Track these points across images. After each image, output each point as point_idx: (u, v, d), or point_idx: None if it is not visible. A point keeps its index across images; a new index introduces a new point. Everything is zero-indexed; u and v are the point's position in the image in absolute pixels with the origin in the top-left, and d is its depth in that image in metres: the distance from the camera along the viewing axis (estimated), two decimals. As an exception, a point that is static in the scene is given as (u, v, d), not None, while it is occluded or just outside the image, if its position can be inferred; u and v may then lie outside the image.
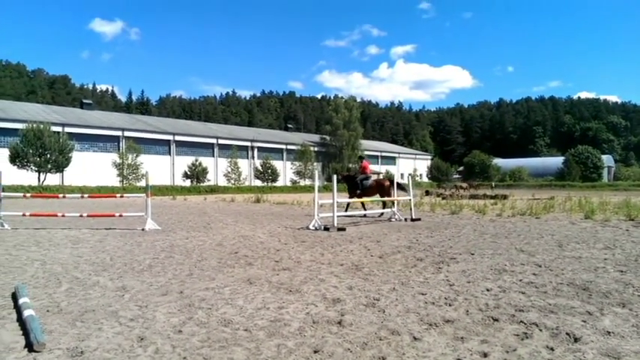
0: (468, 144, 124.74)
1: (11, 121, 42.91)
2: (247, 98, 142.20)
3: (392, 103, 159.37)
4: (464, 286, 4.86)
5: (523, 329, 3.45)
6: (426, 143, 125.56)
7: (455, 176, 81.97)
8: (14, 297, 4.30)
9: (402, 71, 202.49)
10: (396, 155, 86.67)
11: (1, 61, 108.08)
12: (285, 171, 62.92)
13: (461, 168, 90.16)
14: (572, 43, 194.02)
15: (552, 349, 3.06)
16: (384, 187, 14.75)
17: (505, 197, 25.25)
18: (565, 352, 3.01)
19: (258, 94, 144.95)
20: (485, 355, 2.96)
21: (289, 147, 66.26)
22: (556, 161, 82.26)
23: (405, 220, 12.55)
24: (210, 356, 2.95)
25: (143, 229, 10.21)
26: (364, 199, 14.40)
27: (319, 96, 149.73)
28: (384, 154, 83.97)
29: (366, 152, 73.53)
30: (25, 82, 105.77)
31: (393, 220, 12.68)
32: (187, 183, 49.08)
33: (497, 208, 17.19)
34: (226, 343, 3.18)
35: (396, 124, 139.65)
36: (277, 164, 59.52)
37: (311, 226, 10.54)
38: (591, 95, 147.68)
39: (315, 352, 3.01)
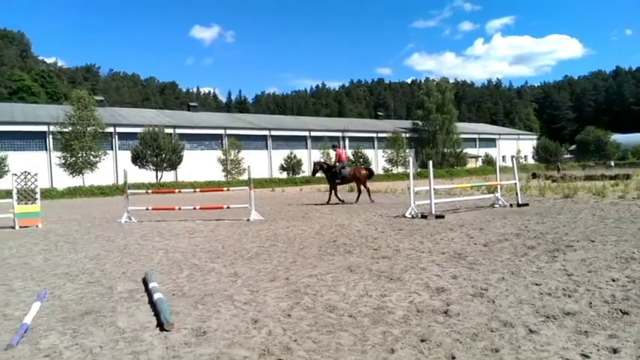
0: (580, 120, 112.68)
1: (131, 126, 48.15)
2: (336, 89, 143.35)
3: (489, 82, 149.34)
4: (584, 276, 4.46)
5: (660, 324, 3.08)
6: (531, 122, 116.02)
7: (566, 156, 74.84)
8: (145, 282, 4.86)
9: (500, 46, 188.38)
10: (496, 137, 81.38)
11: (119, 73, 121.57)
12: (377, 159, 62.43)
13: (572, 147, 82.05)
14: None
15: (699, 347, 2.69)
16: (360, 176, 15.55)
17: (628, 177, 22.52)
18: None
19: (347, 84, 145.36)
20: (614, 351, 2.70)
21: (380, 135, 65.56)
22: (691, 133, 71.20)
23: (511, 205, 11.78)
24: (318, 340, 3.06)
25: (248, 220, 10.86)
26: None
27: (409, 80, 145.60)
28: (482, 136, 79.33)
29: (463, 135, 70.22)
30: (139, 90, 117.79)
31: (496, 206, 11.97)
32: (284, 175, 51.02)
33: (618, 189, 15.40)
34: (333, 328, 3.28)
35: (494, 103, 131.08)
36: (369, 153, 59.32)
37: (407, 214, 10.37)
38: None
39: (422, 340, 2.98)
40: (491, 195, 12.92)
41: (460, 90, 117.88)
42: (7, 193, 19.44)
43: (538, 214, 9.75)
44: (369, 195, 15.50)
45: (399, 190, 21.59)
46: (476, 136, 78.03)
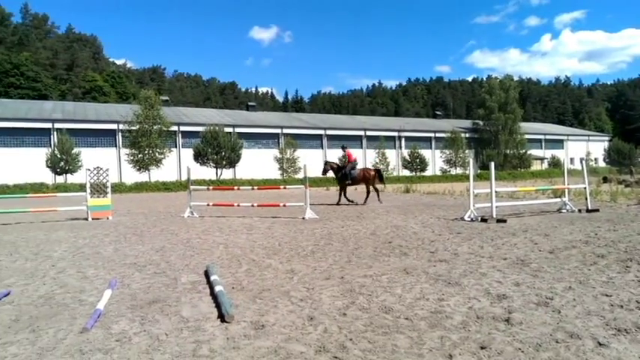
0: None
1: (193, 124, 50.36)
2: (393, 88, 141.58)
3: (557, 79, 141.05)
4: (662, 289, 4.12)
5: None
6: (602, 122, 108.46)
7: (641, 159, 69.15)
8: (206, 274, 5.07)
9: (569, 42, 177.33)
10: (564, 138, 76.78)
11: (183, 74, 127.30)
12: (434, 160, 61.00)
13: (649, 149, 75.64)
14: None
15: None
16: (369, 177, 15.83)
17: None
18: None
19: (404, 83, 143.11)
20: (698, 372, 2.48)
21: (438, 134, 64.00)
22: None
23: (579, 211, 11.08)
24: (374, 340, 3.06)
25: (303, 218, 11.01)
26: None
27: (470, 78, 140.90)
28: (548, 136, 75.14)
29: (527, 135, 66.94)
30: (201, 91, 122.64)
31: (563, 211, 11.32)
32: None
33: None
34: (388, 329, 3.27)
35: (562, 102, 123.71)
36: (426, 153, 58.05)
37: (466, 217, 10.06)
38: None
39: (482, 348, 2.90)
40: (558, 199, 12.23)
41: (525, 88, 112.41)
42: (81, 187, 21.00)
43: (609, 221, 9.11)
44: (378, 196, 15.78)
45: (458, 192, 20.99)
46: (541, 136, 74.10)
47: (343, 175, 15.81)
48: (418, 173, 53.38)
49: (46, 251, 7.11)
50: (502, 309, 3.68)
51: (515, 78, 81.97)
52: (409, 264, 5.51)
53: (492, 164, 10.41)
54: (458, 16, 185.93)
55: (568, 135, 78.40)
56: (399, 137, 62.77)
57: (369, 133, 61.01)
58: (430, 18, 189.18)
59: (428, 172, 55.33)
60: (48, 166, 38.62)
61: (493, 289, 4.26)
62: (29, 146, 43.96)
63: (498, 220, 9.44)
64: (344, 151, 16.89)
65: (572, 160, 68.11)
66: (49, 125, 45.23)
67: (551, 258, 5.66)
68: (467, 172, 53.29)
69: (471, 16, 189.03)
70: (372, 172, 16.32)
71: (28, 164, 40.41)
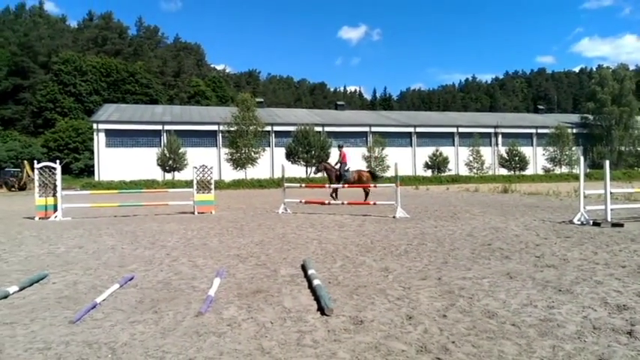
0: None
1: (286, 124, 52.26)
2: (488, 82, 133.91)
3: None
4: None
5: None
6: None
7: None
8: (303, 268, 5.26)
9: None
10: (693, 134, 66.92)
11: (276, 76, 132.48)
12: (536, 158, 56.73)
13: None
14: None
15: None
16: (363, 179, 16.24)
17: None
18: None
19: (501, 76, 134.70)
20: None
21: (540, 130, 59.38)
22: None
23: None
24: (478, 345, 2.96)
25: (394, 217, 10.90)
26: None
27: (577, 69, 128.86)
28: (672, 132, 66.04)
29: (647, 131, 59.54)
30: (292, 92, 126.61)
31: (695, 215, 9.92)
32: (428, 173, 49.80)
33: None
34: (493, 334, 3.13)
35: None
36: (526, 150, 54.16)
37: (576, 220, 9.23)
38: None
39: (602, 361, 2.66)
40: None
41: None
42: (187, 183, 22.84)
43: None
44: (366, 197, 15.92)
45: (563, 192, 19.33)
46: (664, 132, 65.26)
47: (337, 176, 16.32)
48: (517, 172, 50.04)
49: (161, 241, 7.86)
50: (623, 320, 3.34)
51: (632, 67, 73.48)
52: (512, 268, 5.21)
53: (607, 162, 9.44)
54: (563, 1, 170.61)
55: (699, 130, 68.09)
56: (496, 134, 59.35)
57: (461, 129, 58.53)
58: (530, 5, 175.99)
59: (528, 171, 51.65)
60: (158, 164, 42.59)
61: (611, 299, 3.88)
62: (142, 146, 48.92)
63: (614, 224, 8.55)
64: (339, 151, 17.03)
65: None
66: (159, 127, 49.94)
67: (683, 268, 5.00)
68: (573, 171, 48.79)
69: (579, 1, 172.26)
70: (367, 174, 16.98)
71: (141, 162, 44.98)
